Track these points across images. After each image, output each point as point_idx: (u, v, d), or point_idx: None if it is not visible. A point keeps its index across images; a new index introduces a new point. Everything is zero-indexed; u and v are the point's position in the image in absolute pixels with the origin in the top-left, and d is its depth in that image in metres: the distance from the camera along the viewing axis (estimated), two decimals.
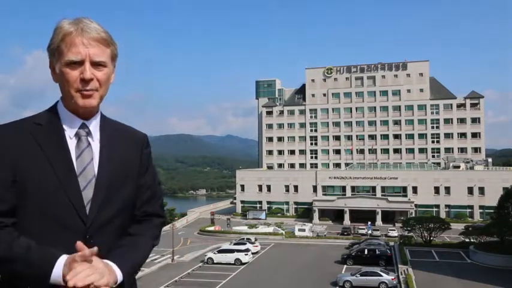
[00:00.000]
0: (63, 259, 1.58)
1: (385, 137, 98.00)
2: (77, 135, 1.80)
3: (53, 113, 1.82)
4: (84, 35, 1.71)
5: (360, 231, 65.79)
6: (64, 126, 1.80)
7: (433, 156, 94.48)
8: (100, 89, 1.77)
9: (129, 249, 1.81)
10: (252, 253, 48.50)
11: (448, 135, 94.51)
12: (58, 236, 1.69)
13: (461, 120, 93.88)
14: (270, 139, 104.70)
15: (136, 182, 1.93)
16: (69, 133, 1.79)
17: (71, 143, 1.79)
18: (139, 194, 1.96)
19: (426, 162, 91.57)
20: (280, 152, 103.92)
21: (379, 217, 74.95)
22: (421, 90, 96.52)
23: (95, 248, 1.58)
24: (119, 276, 1.65)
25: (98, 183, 1.78)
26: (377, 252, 46.40)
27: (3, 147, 1.70)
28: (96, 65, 1.74)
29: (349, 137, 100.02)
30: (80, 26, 1.72)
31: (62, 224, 1.70)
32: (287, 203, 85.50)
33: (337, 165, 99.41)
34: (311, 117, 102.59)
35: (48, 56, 1.79)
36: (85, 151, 1.80)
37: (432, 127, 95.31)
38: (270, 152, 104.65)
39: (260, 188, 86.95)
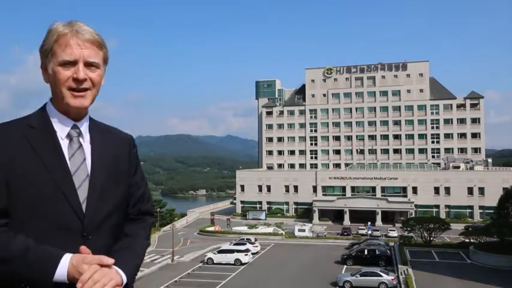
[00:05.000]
0: (67, 257, 1.61)
1: (385, 137, 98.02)
2: (69, 136, 1.83)
3: (44, 114, 1.84)
4: (78, 36, 1.75)
5: (360, 232, 65.83)
6: (55, 128, 1.82)
7: (433, 157, 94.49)
8: (93, 89, 1.80)
9: (129, 252, 1.85)
10: (252, 253, 48.47)
11: (448, 136, 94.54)
12: (56, 235, 1.71)
13: (461, 121, 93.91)
14: (270, 139, 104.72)
15: (128, 181, 1.99)
16: (61, 134, 1.82)
17: (63, 144, 1.81)
18: (132, 193, 2.01)
19: (426, 163, 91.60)
20: (280, 153, 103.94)
21: (379, 217, 74.95)
22: (421, 90, 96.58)
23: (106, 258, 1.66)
24: (124, 278, 1.69)
25: (92, 183, 1.81)
26: (377, 252, 46.38)
27: None
28: (89, 65, 1.77)
29: (349, 138, 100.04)
30: (74, 28, 1.75)
31: (60, 224, 1.72)
32: (287, 203, 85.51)
33: (337, 165, 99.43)
34: (311, 117, 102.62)
35: (40, 56, 1.81)
36: (77, 152, 1.83)
37: (432, 127, 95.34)
38: (270, 153, 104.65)
39: (260, 188, 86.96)
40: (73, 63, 1.74)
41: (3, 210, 1.69)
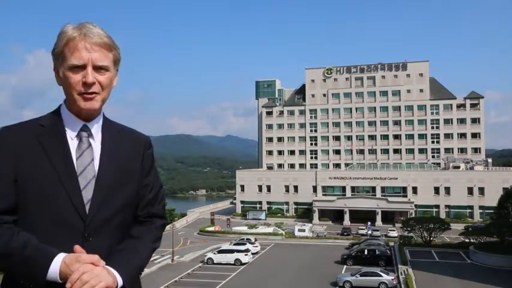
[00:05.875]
0: (60, 257, 1.62)
1: (385, 137, 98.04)
2: (78, 137, 1.85)
3: (56, 115, 1.87)
4: (87, 39, 1.75)
5: (360, 232, 65.83)
6: (66, 128, 1.84)
7: (433, 157, 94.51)
8: (102, 92, 1.81)
9: (130, 253, 1.83)
10: (252, 253, 48.45)
11: (448, 136, 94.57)
12: (58, 233, 1.73)
13: (461, 121, 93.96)
14: (270, 139, 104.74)
15: (139, 182, 1.96)
16: (71, 134, 1.84)
17: (72, 144, 1.82)
18: (143, 194, 1.99)
19: (426, 163, 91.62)
20: (280, 152, 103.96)
21: (379, 217, 74.97)
22: (421, 90, 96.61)
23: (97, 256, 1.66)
24: (119, 281, 1.68)
25: (98, 183, 1.81)
26: (377, 252, 46.37)
27: (6, 148, 1.75)
28: (98, 69, 1.78)
29: (349, 138, 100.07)
30: (83, 31, 1.76)
31: (62, 222, 1.74)
32: (287, 203, 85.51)
33: (337, 165, 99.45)
34: (311, 117, 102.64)
35: (52, 59, 1.84)
36: (85, 152, 1.84)
37: (432, 127, 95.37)
38: (269, 152, 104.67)
39: (260, 188, 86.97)
40: (82, 67, 1.75)
41: (11, 208, 1.72)
